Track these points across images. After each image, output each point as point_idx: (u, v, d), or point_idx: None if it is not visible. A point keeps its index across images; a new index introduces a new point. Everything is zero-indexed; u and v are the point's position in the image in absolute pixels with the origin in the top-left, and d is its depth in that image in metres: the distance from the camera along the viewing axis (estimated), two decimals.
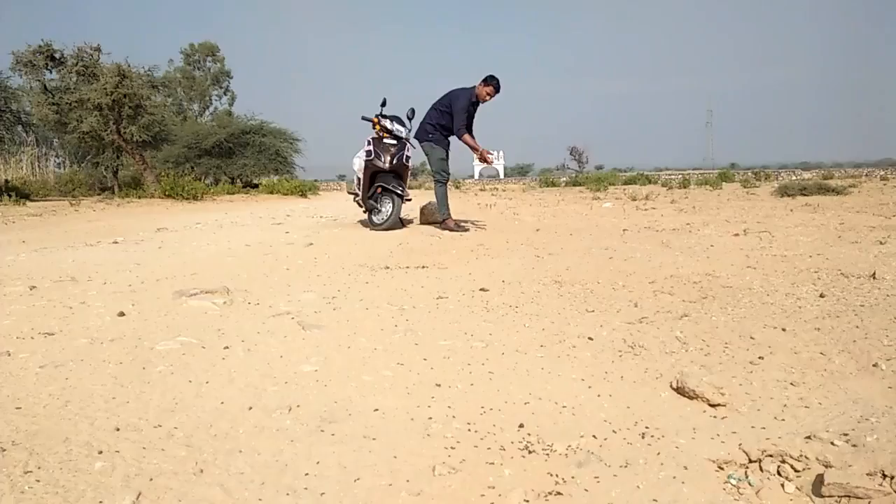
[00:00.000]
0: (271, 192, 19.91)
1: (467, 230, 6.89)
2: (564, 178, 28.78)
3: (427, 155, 7.17)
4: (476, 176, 69.89)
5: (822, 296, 3.30)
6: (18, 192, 13.76)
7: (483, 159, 7.00)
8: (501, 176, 67.75)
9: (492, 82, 6.83)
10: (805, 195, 14.46)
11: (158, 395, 1.93)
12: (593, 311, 3.08)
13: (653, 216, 8.69)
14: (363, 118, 7.28)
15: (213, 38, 34.63)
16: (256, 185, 22.91)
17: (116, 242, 6.31)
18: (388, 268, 4.44)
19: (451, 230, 6.78)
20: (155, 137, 18.18)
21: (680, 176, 27.64)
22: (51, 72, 14.76)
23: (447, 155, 7.15)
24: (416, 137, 7.20)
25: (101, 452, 1.51)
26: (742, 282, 3.70)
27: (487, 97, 6.87)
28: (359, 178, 7.48)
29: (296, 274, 4.20)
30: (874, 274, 3.75)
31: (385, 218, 7.17)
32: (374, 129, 7.33)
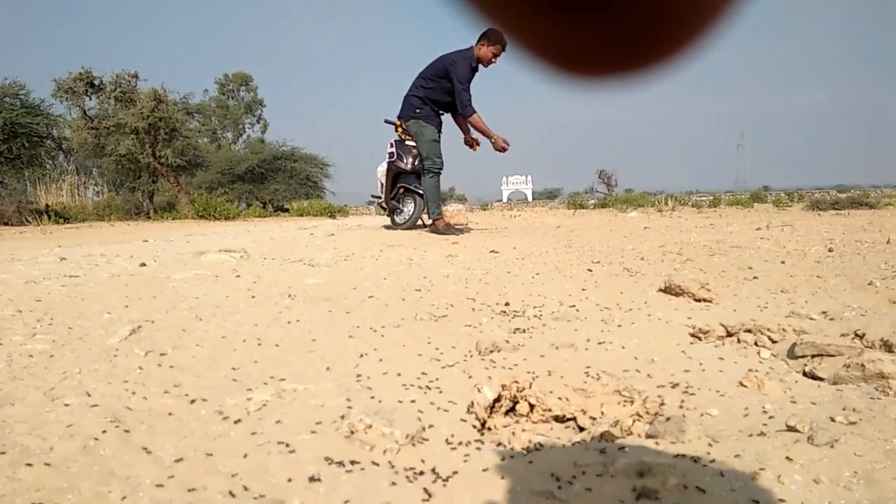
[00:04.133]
0: (301, 215, 20.24)
1: (462, 233, 5.83)
2: (593, 201, 28.68)
3: (415, 136, 6.00)
4: (504, 199, 70.02)
5: (830, 250, 3.31)
6: (58, 215, 14.27)
7: (500, 148, 5.67)
8: (530, 199, 67.76)
9: (496, 37, 5.15)
10: (837, 209, 14.32)
11: (168, 298, 2.04)
12: (598, 262, 3.14)
13: (677, 220, 8.67)
14: (386, 121, 7.44)
15: (247, 68, 35.76)
16: (287, 210, 23.34)
17: (146, 241, 6.54)
18: (402, 246, 4.55)
19: (440, 233, 5.65)
20: (189, 162, 18.64)
21: (710, 197, 27.33)
22: (90, 98, 15.38)
23: (439, 136, 5.92)
24: (399, 116, 6.13)
25: (109, 313, 1.63)
26: (752, 245, 3.72)
27: (494, 59, 5.35)
28: (381, 183, 7.61)
29: (314, 248, 4.34)
30: (889, 240, 3.73)
31: (407, 217, 7.26)
32: (396, 131, 7.48)
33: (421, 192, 7.31)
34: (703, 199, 29.44)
